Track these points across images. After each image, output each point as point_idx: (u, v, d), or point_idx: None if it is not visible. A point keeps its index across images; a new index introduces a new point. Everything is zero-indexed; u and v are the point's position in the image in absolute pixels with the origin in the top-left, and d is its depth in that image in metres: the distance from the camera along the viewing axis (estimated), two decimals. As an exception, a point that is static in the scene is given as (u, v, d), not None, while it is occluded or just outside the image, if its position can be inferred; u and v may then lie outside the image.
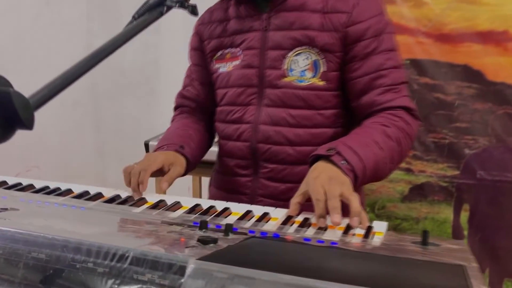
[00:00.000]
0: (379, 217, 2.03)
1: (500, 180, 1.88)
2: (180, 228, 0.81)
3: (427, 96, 1.96)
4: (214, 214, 0.96)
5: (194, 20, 1.23)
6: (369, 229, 0.88)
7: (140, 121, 2.81)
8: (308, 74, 1.14)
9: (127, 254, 0.65)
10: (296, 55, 1.14)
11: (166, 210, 0.98)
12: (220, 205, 1.01)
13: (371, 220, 0.94)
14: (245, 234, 0.80)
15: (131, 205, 1.00)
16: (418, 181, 1.99)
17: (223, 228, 0.81)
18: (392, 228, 2.03)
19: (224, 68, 1.22)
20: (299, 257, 0.70)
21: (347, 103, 1.17)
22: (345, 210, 0.93)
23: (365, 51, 1.11)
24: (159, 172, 1.14)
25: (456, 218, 1.97)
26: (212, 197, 1.30)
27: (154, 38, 2.67)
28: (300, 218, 0.94)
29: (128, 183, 1.09)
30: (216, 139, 1.37)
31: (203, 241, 0.71)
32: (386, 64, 1.11)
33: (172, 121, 1.36)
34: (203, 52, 1.28)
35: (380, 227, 0.91)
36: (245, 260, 0.66)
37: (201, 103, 1.34)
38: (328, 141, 1.12)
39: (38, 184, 1.13)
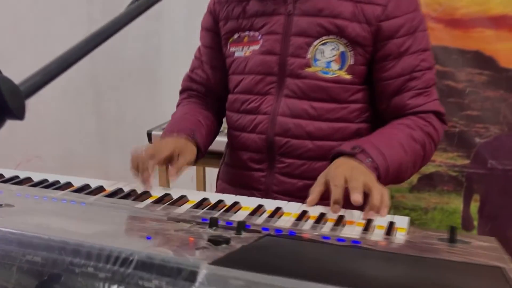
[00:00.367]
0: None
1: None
2: (188, 225, 0.74)
3: (437, 84, 1.86)
4: (223, 209, 0.89)
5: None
6: (391, 225, 0.81)
7: (142, 110, 2.73)
8: (334, 66, 1.05)
9: (131, 258, 0.58)
10: (323, 44, 1.05)
11: (172, 205, 0.90)
12: (229, 199, 0.94)
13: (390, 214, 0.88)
14: (259, 232, 0.73)
15: (134, 200, 0.93)
16: (427, 170, 1.91)
17: (234, 225, 0.74)
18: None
19: (240, 52, 1.12)
20: (321, 260, 0.62)
21: (372, 99, 1.10)
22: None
23: (399, 50, 1.04)
24: (168, 160, 1.05)
25: (466, 208, 1.90)
26: (220, 192, 1.21)
27: (155, 25, 2.58)
28: (315, 213, 0.87)
29: (136, 169, 1.00)
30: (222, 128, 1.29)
31: (215, 241, 0.64)
32: (420, 65, 1.04)
33: (178, 105, 1.26)
34: (216, 34, 1.17)
35: (402, 222, 0.84)
36: (263, 263, 0.59)
37: (210, 88, 1.24)
38: (351, 136, 1.06)
39: (36, 177, 1.06)
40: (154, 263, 0.57)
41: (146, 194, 0.97)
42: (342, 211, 0.86)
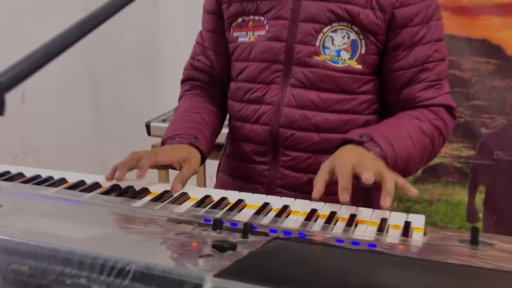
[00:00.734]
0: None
1: (518, 161, 1.75)
2: (190, 227, 0.67)
3: (442, 73, 1.81)
4: (226, 207, 0.82)
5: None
6: (407, 225, 0.75)
7: (141, 101, 2.66)
8: (345, 55, 0.98)
9: (128, 268, 0.51)
10: (333, 31, 0.97)
11: (172, 203, 0.84)
12: (232, 196, 0.87)
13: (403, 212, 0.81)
14: (266, 234, 0.66)
15: (132, 197, 0.86)
16: (431, 161, 1.85)
17: (240, 226, 0.68)
18: (404, 210, 1.90)
19: (244, 37, 1.04)
20: (337, 267, 0.56)
21: (381, 90, 1.03)
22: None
23: (412, 39, 0.97)
24: (167, 167, 0.98)
25: (471, 200, 1.84)
26: (221, 184, 1.15)
27: (153, 14, 2.51)
28: (325, 212, 0.80)
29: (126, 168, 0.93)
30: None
31: (220, 248, 0.57)
32: (433, 56, 0.98)
33: (181, 98, 1.17)
34: (220, 17, 1.09)
35: (418, 221, 0.77)
36: (273, 273, 0.52)
37: (214, 77, 1.15)
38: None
39: (29, 172, 0.99)
40: (153, 274, 0.50)
41: (144, 191, 0.90)
42: (353, 210, 0.79)
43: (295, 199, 0.86)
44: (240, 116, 1.07)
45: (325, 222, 0.76)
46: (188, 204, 0.83)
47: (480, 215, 1.84)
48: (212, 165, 1.78)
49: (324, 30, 0.98)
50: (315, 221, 0.77)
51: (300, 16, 0.98)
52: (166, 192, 0.89)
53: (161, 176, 1.68)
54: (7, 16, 2.39)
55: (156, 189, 0.91)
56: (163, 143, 1.04)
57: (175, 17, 2.48)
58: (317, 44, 0.98)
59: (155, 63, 2.64)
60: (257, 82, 1.03)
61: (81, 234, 0.62)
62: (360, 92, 1.00)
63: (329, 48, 0.98)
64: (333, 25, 0.97)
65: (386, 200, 0.77)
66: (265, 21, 1.02)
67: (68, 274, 0.53)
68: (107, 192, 0.88)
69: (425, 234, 0.73)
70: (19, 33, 2.40)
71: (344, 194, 0.78)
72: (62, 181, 0.94)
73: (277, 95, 1.01)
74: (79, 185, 0.91)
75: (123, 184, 0.92)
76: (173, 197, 0.87)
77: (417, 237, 0.71)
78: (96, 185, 0.91)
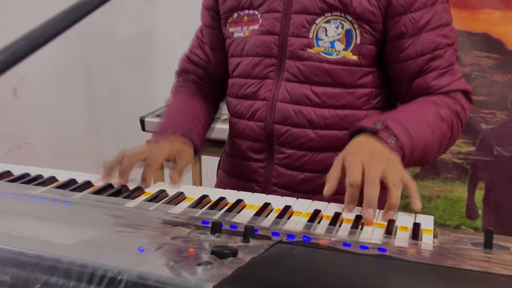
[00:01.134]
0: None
1: (518, 157, 1.71)
2: (187, 231, 0.62)
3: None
4: (225, 208, 0.77)
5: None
6: (416, 227, 0.70)
7: (135, 96, 2.60)
8: (339, 46, 0.93)
9: (119, 277, 0.47)
10: (326, 22, 0.92)
11: (167, 203, 0.79)
12: (231, 195, 0.82)
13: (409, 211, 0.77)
14: (269, 238, 0.62)
15: (125, 197, 0.81)
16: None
17: (240, 229, 0.63)
18: (403, 207, 1.87)
19: (239, 33, 1.00)
20: (347, 274, 0.51)
21: (384, 82, 0.98)
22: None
23: (415, 25, 0.91)
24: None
25: (471, 196, 1.80)
26: (220, 182, 1.10)
27: (148, 8, 2.45)
28: (329, 213, 0.75)
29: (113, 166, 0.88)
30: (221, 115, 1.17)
31: (219, 254, 0.52)
32: (443, 42, 0.92)
33: (174, 89, 1.13)
34: (217, 13, 1.05)
35: (427, 222, 0.73)
36: (277, 282, 0.48)
37: (209, 72, 1.12)
38: None
39: (17, 170, 0.93)
40: (147, 284, 0.46)
41: (138, 191, 0.85)
42: (358, 210, 0.75)
43: (297, 198, 0.81)
44: (236, 112, 1.02)
45: (330, 224, 0.71)
46: (184, 205, 0.78)
47: (480, 211, 1.80)
48: (208, 161, 1.73)
49: (317, 21, 0.93)
50: (319, 222, 0.72)
51: (293, 8, 0.94)
52: (161, 191, 0.84)
53: (156, 174, 1.62)
54: (7, 17, 2.32)
55: (151, 188, 0.86)
56: (155, 135, 1.00)
57: (171, 10, 2.42)
58: (310, 36, 0.93)
59: (150, 57, 2.59)
60: (251, 77, 0.99)
61: (69, 239, 0.56)
62: (358, 85, 0.95)
63: (322, 40, 0.93)
64: (326, 15, 0.92)
65: (388, 215, 0.73)
66: (259, 15, 0.97)
67: (54, 284, 0.48)
68: (99, 192, 0.83)
69: (435, 236, 0.68)
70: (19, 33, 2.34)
71: (349, 208, 0.74)
72: (52, 179, 0.89)
73: (271, 90, 0.97)
74: (69, 184, 0.86)
75: (116, 182, 0.87)
76: (168, 197, 0.82)
77: (428, 240, 0.67)
78: (87, 184, 0.87)
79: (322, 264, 0.55)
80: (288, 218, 0.74)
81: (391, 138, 0.81)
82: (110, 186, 0.86)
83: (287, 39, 0.94)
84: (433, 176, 1.83)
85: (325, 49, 0.93)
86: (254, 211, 0.76)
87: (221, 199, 0.80)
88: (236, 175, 1.05)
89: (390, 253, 0.59)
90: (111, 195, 0.81)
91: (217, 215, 0.73)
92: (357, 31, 0.92)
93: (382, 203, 0.75)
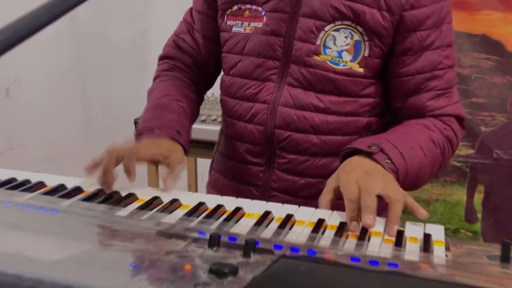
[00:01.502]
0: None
1: (518, 160, 1.67)
2: (182, 244, 0.57)
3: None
4: (223, 217, 0.72)
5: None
6: (427, 238, 0.65)
7: (130, 96, 2.54)
8: (346, 57, 0.88)
9: (107, 301, 0.41)
10: (335, 30, 0.87)
11: (161, 211, 0.73)
12: (229, 203, 0.77)
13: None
14: (271, 252, 0.56)
15: (116, 205, 0.75)
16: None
17: (239, 242, 0.57)
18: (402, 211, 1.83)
19: (239, 27, 0.94)
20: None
21: (384, 92, 0.94)
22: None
23: (421, 44, 0.87)
24: (149, 162, 0.88)
25: (470, 200, 1.76)
26: (214, 183, 1.05)
27: (144, 7, 2.39)
28: (333, 222, 0.70)
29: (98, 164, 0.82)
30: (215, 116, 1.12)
31: (218, 273, 0.47)
32: (443, 63, 0.88)
33: (157, 77, 1.05)
34: (213, 1, 0.98)
35: (438, 233, 0.68)
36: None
37: (198, 61, 1.04)
38: (360, 130, 0.91)
39: (3, 175, 0.87)
40: (138, 309, 0.40)
41: (131, 197, 0.79)
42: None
43: (299, 206, 0.76)
44: (234, 113, 0.97)
45: (335, 235, 0.66)
46: (179, 213, 0.73)
47: (479, 215, 1.76)
48: (203, 164, 1.68)
49: (326, 28, 0.88)
50: (323, 233, 0.67)
51: (301, 10, 0.88)
52: (155, 198, 0.78)
53: (151, 180, 1.57)
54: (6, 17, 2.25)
55: (144, 194, 0.80)
56: (140, 133, 0.92)
57: (166, 10, 2.37)
58: (318, 42, 0.88)
59: (145, 57, 2.53)
60: (252, 78, 0.93)
61: (53, 255, 0.51)
62: (362, 95, 0.91)
63: (330, 48, 0.88)
64: (336, 23, 0.87)
65: (393, 230, 0.68)
66: (263, 12, 0.92)
67: (34, 308, 0.42)
68: (89, 198, 0.77)
69: (447, 248, 0.64)
70: None
71: (353, 226, 0.69)
72: (40, 185, 0.83)
73: (272, 93, 0.91)
74: (58, 190, 0.80)
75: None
76: (162, 205, 0.76)
77: (440, 253, 0.62)
78: (77, 190, 0.81)
79: (330, 282, 0.50)
80: (290, 228, 0.69)
81: (386, 161, 0.78)
82: (101, 191, 0.80)
83: (293, 43, 0.89)
84: (432, 179, 1.78)
85: (332, 58, 0.89)
86: (254, 220, 0.71)
87: (219, 206, 0.75)
88: (232, 177, 1.00)
89: (402, 269, 0.53)
90: (101, 202, 0.75)
91: (214, 225, 0.67)
92: (366, 44, 0.88)
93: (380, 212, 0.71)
